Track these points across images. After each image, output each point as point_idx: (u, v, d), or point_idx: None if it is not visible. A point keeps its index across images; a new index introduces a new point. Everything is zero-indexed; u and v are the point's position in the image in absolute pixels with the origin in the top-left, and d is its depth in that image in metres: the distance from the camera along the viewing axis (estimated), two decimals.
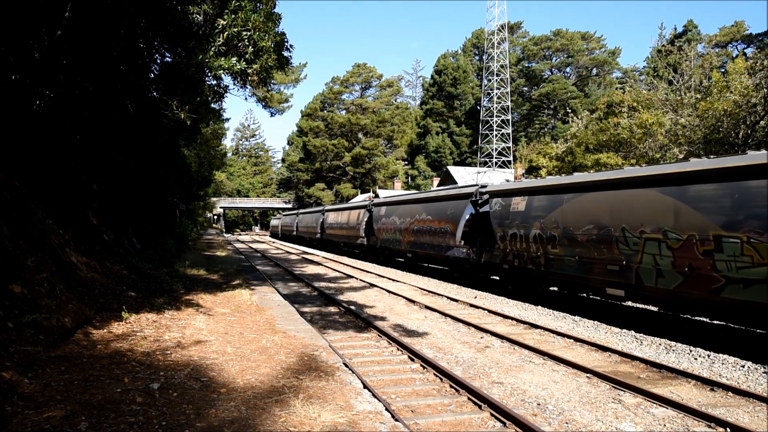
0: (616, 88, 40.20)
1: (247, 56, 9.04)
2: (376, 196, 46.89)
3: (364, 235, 27.28)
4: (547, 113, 66.11)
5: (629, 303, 12.30)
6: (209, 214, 71.45)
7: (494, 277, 16.21)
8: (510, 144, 46.22)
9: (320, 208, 41.05)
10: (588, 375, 7.26)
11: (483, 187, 16.71)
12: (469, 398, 6.20)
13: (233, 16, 8.69)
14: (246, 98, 13.23)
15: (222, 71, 8.88)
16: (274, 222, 68.30)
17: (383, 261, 24.83)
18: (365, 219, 26.98)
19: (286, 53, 10.43)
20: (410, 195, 23.81)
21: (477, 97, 63.18)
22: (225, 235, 68.20)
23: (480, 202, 16.27)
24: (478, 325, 10.31)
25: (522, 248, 13.69)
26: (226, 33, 8.76)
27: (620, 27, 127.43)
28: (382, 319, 11.28)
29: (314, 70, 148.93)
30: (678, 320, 11.19)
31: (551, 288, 13.87)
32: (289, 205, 78.80)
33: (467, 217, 16.55)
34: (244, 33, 8.87)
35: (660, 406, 6.14)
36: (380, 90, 77.98)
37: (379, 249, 25.01)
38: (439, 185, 45.31)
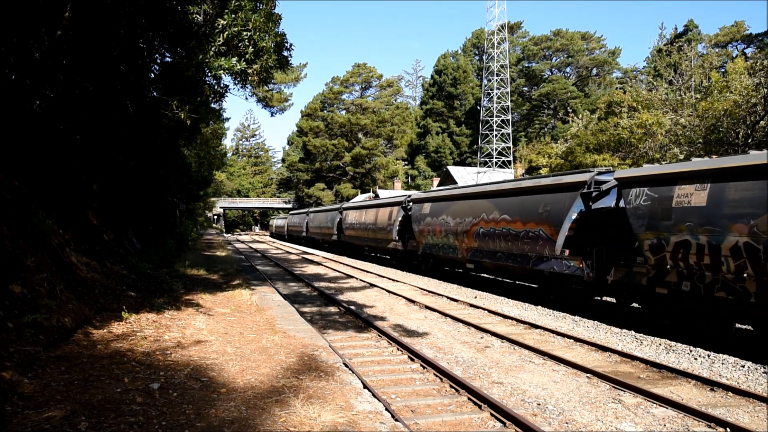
0: (616, 88, 40.22)
1: (247, 56, 9.04)
2: (376, 196, 46.83)
3: (397, 237, 22.87)
4: (547, 113, 66.12)
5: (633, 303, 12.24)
6: (209, 214, 71.47)
7: (635, 305, 11.62)
8: (510, 144, 46.22)
9: (337, 206, 35.83)
10: (588, 375, 7.26)
11: (606, 173, 12.06)
12: (469, 398, 6.20)
13: (233, 16, 8.69)
14: (246, 98, 13.24)
15: (222, 71, 8.88)
16: (278, 222, 62.95)
17: (426, 271, 20.25)
18: (399, 218, 22.83)
19: (285, 53, 10.43)
20: (469, 188, 17.84)
21: (477, 97, 63.19)
22: (225, 235, 68.19)
23: (596, 194, 11.75)
24: (478, 325, 10.31)
25: (704, 265, 8.73)
26: (226, 33, 8.76)
27: (620, 27, 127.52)
28: (382, 319, 11.28)
29: (314, 70, 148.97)
30: (678, 320, 11.17)
31: None
32: (289, 205, 78.76)
33: (575, 216, 11.94)
34: (245, 33, 8.87)
35: (660, 406, 6.14)
36: (380, 90, 77.99)
37: (421, 256, 20.31)
38: (439, 185, 45.29)
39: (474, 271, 16.84)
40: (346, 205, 33.75)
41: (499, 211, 14.60)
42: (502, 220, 14.41)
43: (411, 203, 21.68)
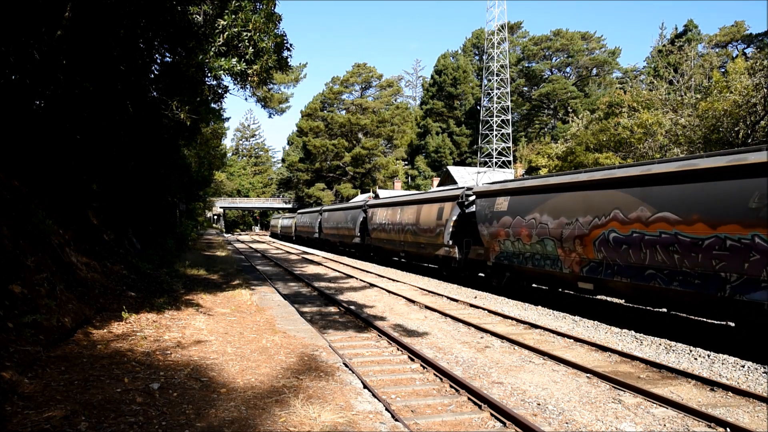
0: (617, 88, 40.20)
1: (247, 57, 9.04)
2: (376, 196, 46.68)
3: (449, 241, 17.86)
4: (547, 113, 66.11)
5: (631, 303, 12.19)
6: (209, 214, 71.45)
7: None
8: (510, 144, 46.19)
9: (360, 203, 30.50)
10: (588, 375, 7.26)
11: None
12: (469, 398, 6.20)
13: (233, 16, 8.69)
14: (246, 98, 13.25)
15: (222, 72, 8.89)
16: (285, 222, 57.61)
17: (501, 289, 14.99)
18: (454, 217, 17.78)
19: (285, 53, 10.42)
20: (582, 174, 12.31)
21: (477, 97, 63.18)
22: (225, 235, 68.21)
23: None
24: (478, 325, 10.31)
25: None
26: (227, 33, 8.76)
27: (620, 27, 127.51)
28: (382, 319, 11.28)
29: (314, 70, 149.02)
30: (678, 320, 11.18)
31: None
32: (289, 205, 78.77)
33: None
34: (245, 34, 8.88)
35: (660, 406, 6.14)
36: (380, 90, 77.97)
37: (492, 267, 15.27)
38: (439, 185, 45.26)
39: (592, 292, 11.85)
40: (373, 201, 28.21)
41: (652, 205, 9.83)
42: (657, 220, 9.68)
43: (474, 196, 16.75)
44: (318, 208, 41.54)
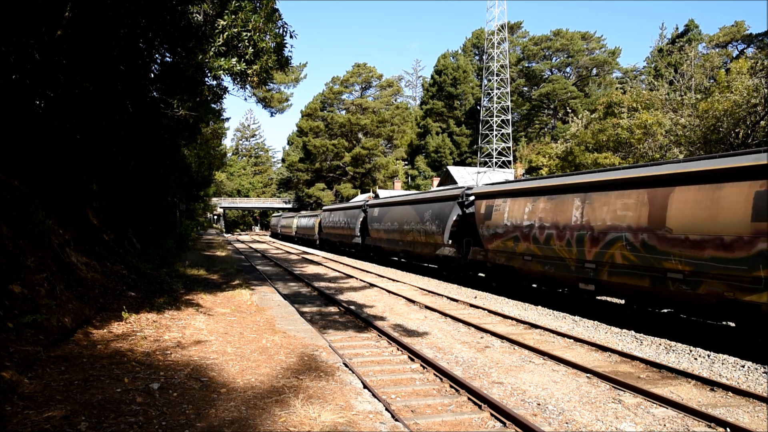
0: (616, 88, 40.21)
1: (247, 57, 9.05)
2: (376, 196, 46.66)
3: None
4: (547, 113, 66.10)
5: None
6: (209, 215, 71.42)
7: None
8: (510, 144, 46.20)
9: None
10: (588, 375, 7.26)
11: None
12: (469, 398, 6.20)
13: (233, 16, 8.70)
14: (246, 98, 13.27)
15: (222, 72, 8.89)
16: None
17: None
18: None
19: (286, 52, 10.41)
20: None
21: (477, 97, 63.17)
22: (225, 235, 68.21)
23: None
24: (478, 325, 10.31)
25: None
26: (226, 33, 8.76)
27: (620, 27, 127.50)
28: (382, 319, 11.27)
29: (314, 70, 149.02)
30: (678, 320, 11.17)
31: None
32: (289, 205, 78.76)
33: None
34: (244, 34, 8.88)
35: (660, 406, 6.14)
36: (380, 90, 77.97)
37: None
38: (439, 185, 45.27)
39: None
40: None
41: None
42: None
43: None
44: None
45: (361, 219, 27.18)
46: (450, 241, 17.38)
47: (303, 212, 50.21)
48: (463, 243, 16.79)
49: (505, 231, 14.18)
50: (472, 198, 16.97)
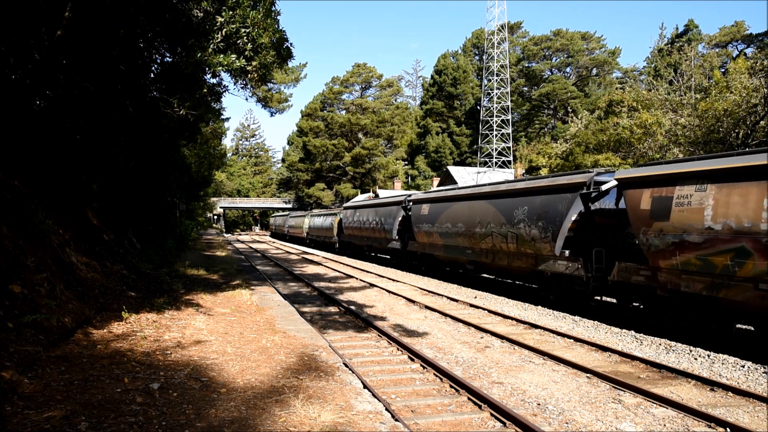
0: (616, 88, 40.20)
1: (246, 53, 9.04)
2: (376, 196, 46.61)
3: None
4: (547, 113, 66.10)
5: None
6: (209, 214, 71.39)
7: None
8: (510, 144, 46.22)
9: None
10: (588, 375, 7.26)
11: None
12: (469, 398, 6.20)
13: (231, 12, 8.68)
14: (246, 98, 13.27)
15: (221, 68, 8.88)
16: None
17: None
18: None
19: (287, 47, 10.40)
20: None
21: (477, 97, 63.18)
22: (225, 235, 68.20)
23: None
24: (478, 325, 10.31)
25: None
26: (225, 30, 8.75)
27: (620, 27, 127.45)
28: (382, 319, 11.28)
29: (314, 70, 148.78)
30: (678, 320, 11.17)
31: None
32: (289, 205, 78.74)
33: None
34: (243, 30, 8.86)
35: (660, 406, 6.14)
36: (380, 90, 77.94)
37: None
38: (438, 185, 45.25)
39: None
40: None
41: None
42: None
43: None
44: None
45: (400, 218, 22.24)
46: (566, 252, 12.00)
47: (316, 210, 44.44)
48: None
49: None
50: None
